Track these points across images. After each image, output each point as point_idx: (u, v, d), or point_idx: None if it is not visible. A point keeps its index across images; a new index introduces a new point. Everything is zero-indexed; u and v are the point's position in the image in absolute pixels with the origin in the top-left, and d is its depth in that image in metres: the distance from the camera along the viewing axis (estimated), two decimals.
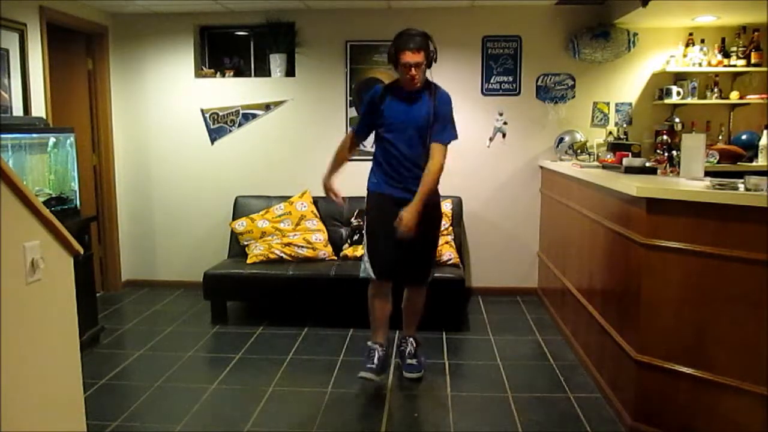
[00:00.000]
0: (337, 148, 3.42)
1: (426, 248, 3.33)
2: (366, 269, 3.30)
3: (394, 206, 3.17)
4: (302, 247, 4.52)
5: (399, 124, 3.19)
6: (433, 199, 3.24)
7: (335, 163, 3.39)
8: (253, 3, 4.76)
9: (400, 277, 3.36)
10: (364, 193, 3.41)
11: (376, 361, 3.26)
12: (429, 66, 3.19)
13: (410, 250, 3.19)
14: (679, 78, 4.75)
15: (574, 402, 3.09)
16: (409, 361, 3.41)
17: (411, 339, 3.48)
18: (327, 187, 3.37)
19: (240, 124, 5.11)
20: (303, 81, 5.03)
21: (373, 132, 3.33)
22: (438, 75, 4.90)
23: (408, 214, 3.07)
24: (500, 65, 4.92)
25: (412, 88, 3.17)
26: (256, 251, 4.50)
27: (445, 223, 4.61)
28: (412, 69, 3.08)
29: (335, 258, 4.62)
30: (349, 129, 3.43)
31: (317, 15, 4.93)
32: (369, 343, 3.37)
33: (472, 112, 4.93)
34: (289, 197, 4.89)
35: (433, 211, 3.28)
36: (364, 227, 3.41)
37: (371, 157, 3.35)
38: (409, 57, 3.06)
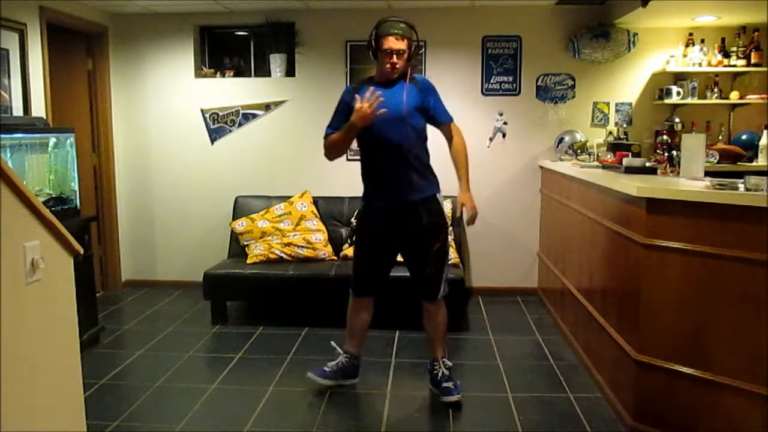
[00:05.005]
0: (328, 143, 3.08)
1: (431, 261, 3.04)
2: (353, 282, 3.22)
3: (383, 224, 3.04)
4: (302, 247, 4.51)
5: (378, 118, 2.85)
6: (434, 207, 3.03)
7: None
8: (253, 3, 4.76)
9: (384, 293, 3.24)
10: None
11: (332, 365, 3.22)
12: (410, 59, 2.92)
13: (415, 264, 3.08)
14: (679, 78, 4.75)
15: (574, 402, 3.09)
16: (444, 384, 3.08)
17: (442, 361, 3.14)
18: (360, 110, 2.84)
19: (240, 124, 5.11)
20: (303, 81, 5.03)
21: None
22: (438, 75, 4.97)
23: (466, 200, 3.04)
24: (500, 65, 4.92)
25: (390, 77, 2.91)
26: (256, 251, 4.50)
27: None
28: (394, 56, 2.84)
29: (335, 258, 4.61)
30: (325, 133, 3.07)
31: (317, 15, 4.93)
32: (339, 349, 3.27)
33: (472, 112, 4.93)
34: (289, 197, 4.89)
35: (434, 222, 3.03)
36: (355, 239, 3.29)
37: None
38: (392, 43, 2.82)
